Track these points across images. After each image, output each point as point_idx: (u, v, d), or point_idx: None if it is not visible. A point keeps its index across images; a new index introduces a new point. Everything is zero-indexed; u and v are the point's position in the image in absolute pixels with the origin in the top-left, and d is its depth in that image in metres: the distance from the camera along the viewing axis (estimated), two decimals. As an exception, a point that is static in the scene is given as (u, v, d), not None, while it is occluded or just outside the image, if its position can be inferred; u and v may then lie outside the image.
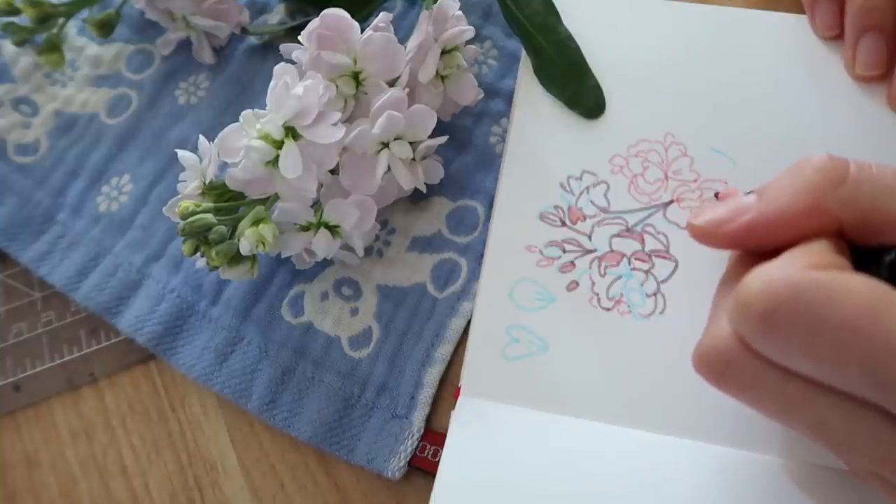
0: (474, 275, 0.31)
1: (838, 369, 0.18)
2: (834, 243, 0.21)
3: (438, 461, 0.27)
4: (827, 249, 0.20)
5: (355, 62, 0.29)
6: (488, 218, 0.32)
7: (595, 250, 0.30)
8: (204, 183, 0.28)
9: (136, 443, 0.31)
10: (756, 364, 0.20)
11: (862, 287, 0.18)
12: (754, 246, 0.22)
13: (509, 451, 0.27)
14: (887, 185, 0.20)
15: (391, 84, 0.30)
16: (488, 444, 0.27)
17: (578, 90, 0.32)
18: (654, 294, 0.29)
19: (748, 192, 0.26)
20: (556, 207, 0.31)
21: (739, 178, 0.30)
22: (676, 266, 0.29)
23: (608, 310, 0.29)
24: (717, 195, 0.29)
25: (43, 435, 0.31)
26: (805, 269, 0.19)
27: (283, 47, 0.31)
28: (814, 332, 0.18)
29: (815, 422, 0.19)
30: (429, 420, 0.29)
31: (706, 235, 0.23)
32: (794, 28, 0.33)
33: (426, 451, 0.29)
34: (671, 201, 0.30)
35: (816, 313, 0.18)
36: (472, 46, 0.33)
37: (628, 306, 0.29)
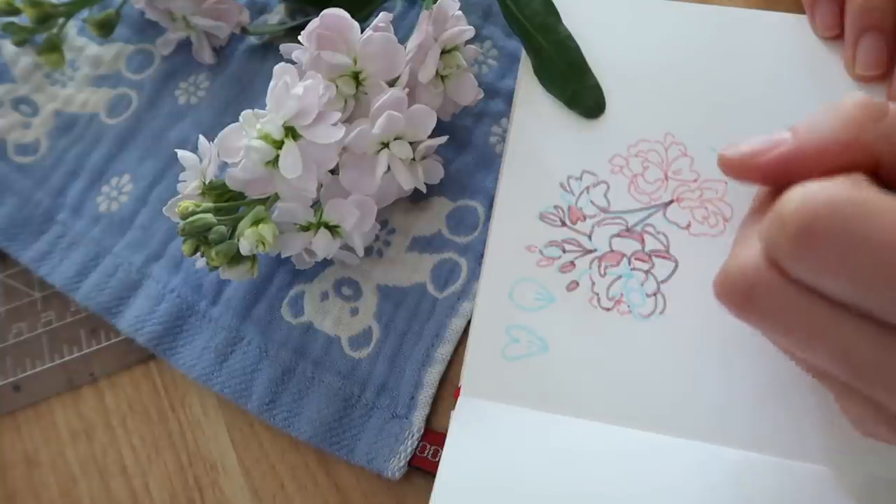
0: (474, 275, 0.31)
1: (872, 288, 0.18)
2: (870, 178, 0.21)
3: (438, 461, 0.27)
4: (865, 179, 0.20)
5: (355, 62, 0.29)
6: (488, 218, 0.32)
7: (595, 250, 0.30)
8: (204, 183, 0.28)
9: (136, 443, 0.31)
10: (785, 287, 0.20)
11: None
12: (788, 180, 0.21)
13: (509, 451, 0.27)
14: None
15: (391, 84, 0.30)
16: (488, 444, 0.27)
17: (578, 90, 0.32)
18: (654, 294, 0.29)
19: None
20: (556, 207, 0.31)
21: (739, 178, 0.30)
22: (676, 266, 0.29)
23: (608, 310, 0.29)
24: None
25: (43, 435, 0.31)
26: (845, 188, 0.19)
27: (283, 47, 0.31)
28: (851, 248, 0.18)
29: (840, 348, 0.19)
30: (429, 420, 0.29)
31: (739, 167, 0.23)
32: (794, 28, 0.33)
33: (426, 451, 0.29)
34: (671, 201, 0.30)
35: (855, 229, 0.18)
36: (472, 46, 0.33)
37: (628, 306, 0.29)
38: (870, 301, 0.18)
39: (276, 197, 0.28)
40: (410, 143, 0.29)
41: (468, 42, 0.32)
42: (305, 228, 0.29)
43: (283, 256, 0.30)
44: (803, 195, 0.19)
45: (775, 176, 0.22)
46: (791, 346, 0.21)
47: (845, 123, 0.21)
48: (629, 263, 0.30)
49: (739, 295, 0.21)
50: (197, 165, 0.29)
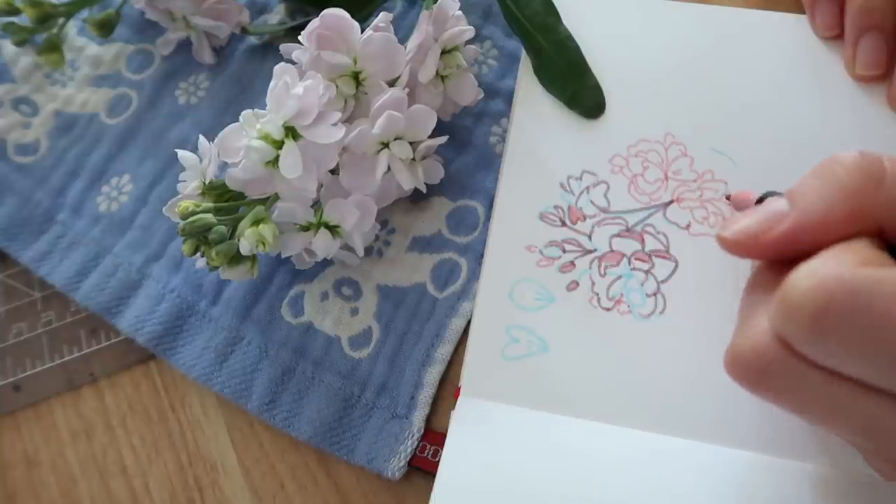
0: (474, 275, 0.31)
1: (891, 368, 0.18)
2: (874, 241, 0.20)
3: (438, 461, 0.27)
4: (869, 246, 0.20)
5: (355, 62, 0.29)
6: (488, 218, 0.32)
7: (595, 250, 0.30)
8: (204, 183, 0.28)
9: (136, 443, 0.31)
10: (800, 366, 0.19)
11: None
12: (793, 254, 0.21)
13: (509, 451, 0.27)
14: None
15: (391, 84, 0.30)
16: (488, 444, 0.27)
17: (579, 90, 0.32)
18: (654, 294, 0.29)
19: (767, 193, 0.25)
20: (556, 207, 0.31)
21: (739, 178, 0.30)
22: (676, 266, 0.29)
23: (608, 310, 0.29)
24: (728, 198, 0.29)
25: (43, 435, 0.31)
26: (854, 265, 0.18)
27: (283, 47, 0.31)
28: (869, 330, 0.17)
29: (862, 423, 0.19)
30: (429, 420, 0.29)
31: (742, 247, 0.22)
32: (794, 28, 0.33)
33: (426, 451, 0.29)
34: (671, 201, 0.30)
35: (872, 310, 0.17)
36: (472, 46, 0.33)
37: (628, 306, 0.29)
38: (890, 381, 0.18)
39: (276, 197, 0.28)
40: (410, 143, 0.29)
41: (468, 42, 0.32)
42: (305, 228, 0.29)
43: (283, 256, 0.30)
44: (815, 277, 0.18)
45: (782, 252, 0.22)
46: (812, 420, 0.21)
47: (844, 193, 0.20)
48: (629, 263, 0.30)
49: (754, 374, 0.20)
50: (197, 165, 0.29)
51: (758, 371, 0.20)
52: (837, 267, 0.18)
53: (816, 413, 0.20)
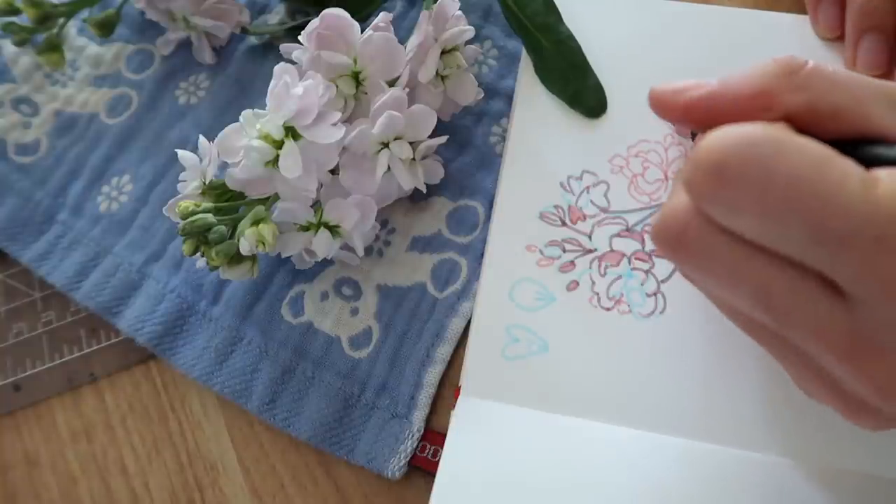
0: (474, 275, 0.31)
1: (783, 225, 0.18)
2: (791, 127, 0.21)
3: (438, 461, 0.27)
4: (786, 126, 0.21)
5: (355, 62, 0.29)
6: (488, 218, 0.32)
7: (595, 250, 0.30)
8: (204, 183, 0.28)
9: (136, 443, 0.31)
10: (708, 229, 0.20)
11: (813, 145, 0.18)
12: (704, 121, 0.22)
13: (509, 450, 0.27)
14: (839, 80, 0.21)
15: (391, 84, 0.30)
16: (488, 443, 0.27)
17: (580, 89, 0.32)
18: (654, 294, 0.29)
19: None
20: (556, 207, 0.31)
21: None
22: (674, 264, 0.29)
23: (608, 310, 0.29)
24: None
25: (43, 435, 0.31)
26: (759, 127, 0.19)
27: (283, 47, 0.31)
28: (762, 186, 0.18)
29: (759, 289, 0.19)
30: (429, 420, 0.29)
31: (661, 102, 0.23)
32: (794, 28, 0.33)
33: (426, 451, 0.29)
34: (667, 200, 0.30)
35: (765, 164, 0.18)
36: (472, 46, 0.33)
37: (628, 306, 0.29)
38: (783, 241, 0.19)
39: (276, 197, 0.28)
40: (410, 143, 0.29)
41: (468, 42, 0.32)
42: (305, 228, 0.29)
43: (283, 256, 0.30)
44: (718, 135, 0.19)
45: (692, 116, 0.23)
46: (716, 289, 0.21)
47: (762, 74, 0.22)
48: (629, 263, 0.30)
49: (672, 238, 0.21)
50: (197, 165, 0.29)
51: (674, 236, 0.21)
52: (743, 128, 0.19)
53: (721, 278, 0.20)
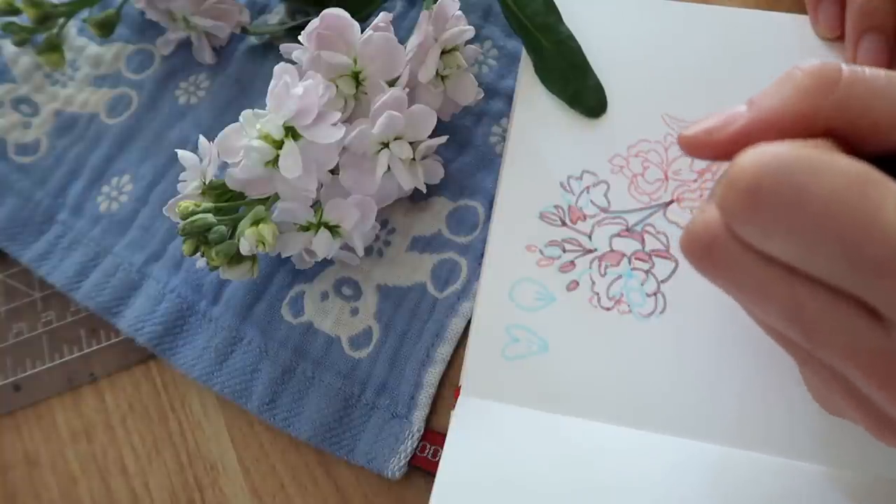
0: (474, 275, 0.31)
1: (818, 251, 0.18)
2: (834, 144, 0.21)
3: (438, 461, 0.27)
4: (826, 143, 0.20)
5: (355, 62, 0.29)
6: (488, 218, 0.32)
7: (595, 250, 0.30)
8: (204, 183, 0.28)
9: (136, 443, 0.31)
10: (739, 247, 0.20)
11: (849, 165, 0.18)
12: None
13: (509, 450, 0.27)
14: (881, 87, 0.20)
15: (391, 84, 0.30)
16: (488, 443, 0.27)
17: (580, 89, 0.32)
18: (654, 294, 0.29)
19: None
20: (556, 207, 0.31)
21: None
22: (676, 266, 0.29)
23: (608, 309, 0.29)
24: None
25: (43, 435, 0.31)
26: (795, 147, 0.19)
27: (283, 47, 0.31)
28: (796, 206, 0.18)
29: (790, 308, 0.19)
30: (429, 420, 0.29)
31: (697, 145, 0.23)
32: (794, 28, 0.33)
33: (426, 451, 0.29)
34: (671, 201, 0.30)
35: (799, 187, 0.18)
36: (472, 46, 0.33)
37: (628, 306, 0.29)
38: (817, 264, 0.18)
39: (276, 197, 0.28)
40: (410, 143, 0.29)
41: (468, 42, 0.32)
42: (305, 228, 0.29)
43: (283, 256, 0.30)
44: (752, 155, 0.19)
45: (734, 152, 0.22)
46: (748, 304, 0.21)
47: (798, 94, 0.21)
48: (629, 263, 0.30)
49: (699, 250, 0.20)
50: (197, 165, 0.29)
51: (703, 248, 0.20)
52: (778, 148, 0.18)
53: (751, 295, 0.20)
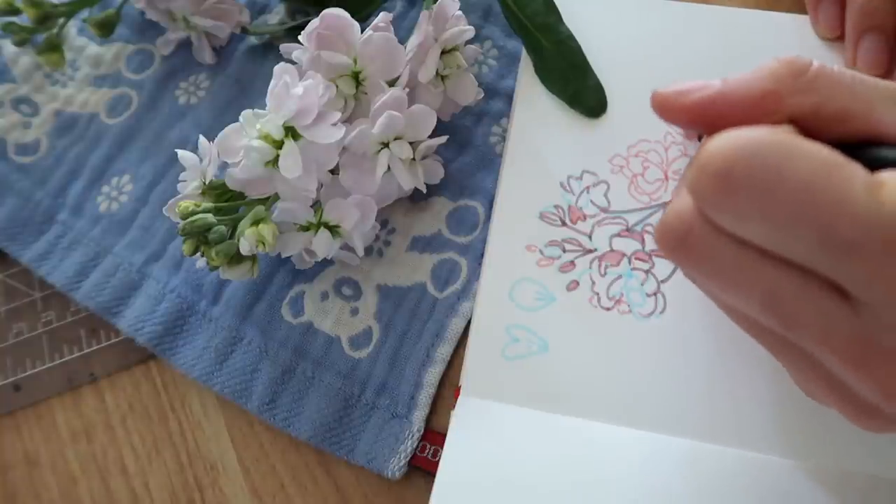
0: (474, 275, 0.31)
1: (790, 233, 0.18)
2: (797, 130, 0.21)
3: (438, 461, 0.27)
4: (792, 129, 0.20)
5: (355, 62, 0.29)
6: (488, 218, 0.32)
7: (595, 250, 0.30)
8: (204, 183, 0.28)
9: (136, 443, 0.31)
10: (713, 233, 0.20)
11: (819, 149, 0.18)
12: (709, 123, 0.22)
13: (509, 450, 0.27)
14: (844, 81, 0.21)
15: (391, 84, 0.30)
16: (488, 443, 0.27)
17: (580, 89, 0.32)
18: (654, 294, 0.29)
19: None
20: (556, 207, 0.31)
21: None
22: (676, 266, 0.29)
23: (608, 309, 0.29)
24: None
25: (43, 435, 0.31)
26: (765, 132, 0.19)
27: (283, 47, 0.31)
28: (769, 190, 0.18)
29: (766, 295, 0.19)
30: (429, 420, 0.29)
31: (665, 105, 0.23)
32: (794, 28, 0.33)
33: (426, 451, 0.29)
34: (671, 201, 0.30)
35: (773, 170, 0.18)
36: (472, 46, 0.33)
37: (628, 306, 0.29)
38: (789, 247, 0.18)
39: (276, 197, 0.28)
40: (410, 143, 0.29)
41: (468, 42, 0.32)
42: (305, 228, 0.29)
43: (283, 256, 0.30)
44: (723, 139, 0.19)
45: (697, 118, 0.22)
46: (723, 293, 0.21)
47: (768, 75, 0.21)
48: (629, 263, 0.30)
49: (674, 240, 0.21)
50: (197, 165, 0.29)
51: (677, 238, 0.20)
52: (749, 132, 0.19)
53: (727, 283, 0.20)
